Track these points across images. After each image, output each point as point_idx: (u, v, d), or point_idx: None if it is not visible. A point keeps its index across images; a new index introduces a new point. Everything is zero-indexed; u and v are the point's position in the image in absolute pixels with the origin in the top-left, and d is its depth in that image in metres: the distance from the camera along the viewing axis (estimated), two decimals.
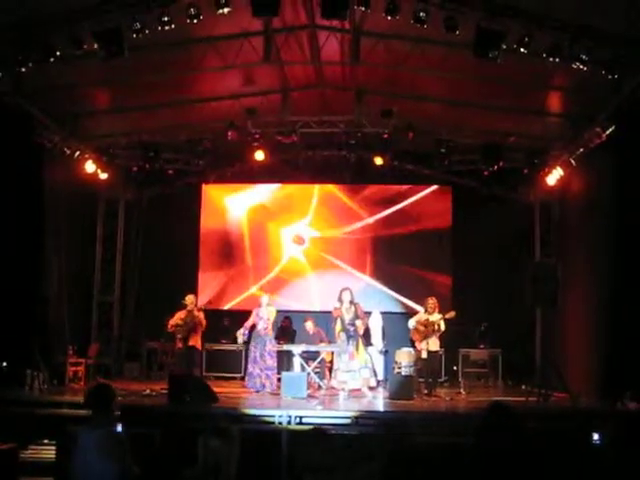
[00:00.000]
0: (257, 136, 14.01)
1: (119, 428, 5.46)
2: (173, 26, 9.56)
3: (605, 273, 11.60)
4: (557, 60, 9.63)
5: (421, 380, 12.76)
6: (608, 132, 11.39)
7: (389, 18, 9.55)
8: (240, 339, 13.02)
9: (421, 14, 9.39)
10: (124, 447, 5.07)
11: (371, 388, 12.64)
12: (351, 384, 12.11)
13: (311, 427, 7.05)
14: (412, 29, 10.05)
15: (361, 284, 15.65)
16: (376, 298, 15.79)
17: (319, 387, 12.72)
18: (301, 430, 8.92)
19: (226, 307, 16.18)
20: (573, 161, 13.11)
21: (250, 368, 12.83)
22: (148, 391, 12.05)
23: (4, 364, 11.79)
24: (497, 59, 9.56)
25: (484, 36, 9.40)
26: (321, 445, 4.93)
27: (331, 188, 16.59)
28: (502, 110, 13.04)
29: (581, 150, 12.63)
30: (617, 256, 11.19)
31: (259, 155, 14.63)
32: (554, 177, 13.90)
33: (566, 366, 12.38)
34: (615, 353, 10.87)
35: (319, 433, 5.19)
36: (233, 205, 16.71)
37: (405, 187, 16.45)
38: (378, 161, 14.64)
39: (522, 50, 9.55)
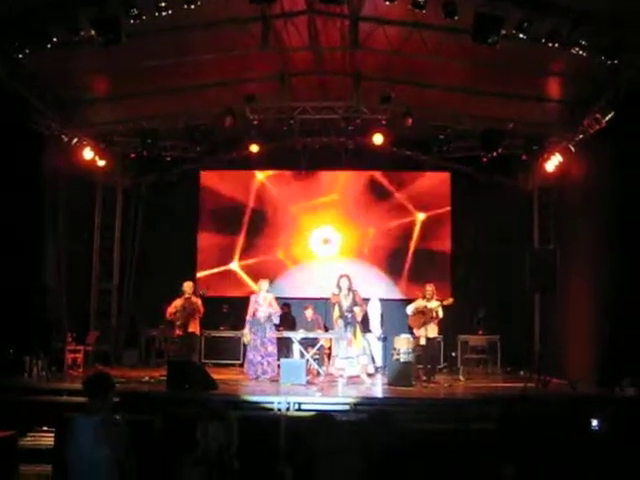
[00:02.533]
0: (255, 122, 13.98)
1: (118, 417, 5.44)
2: (170, 12, 9.52)
3: (604, 260, 11.59)
4: (556, 45, 9.59)
5: (420, 367, 12.77)
6: (607, 118, 11.34)
7: (387, 3, 9.51)
8: (247, 338, 13.01)
9: None
10: (123, 434, 5.06)
11: (370, 375, 12.68)
12: (349, 371, 12.13)
13: (315, 413, 7.04)
14: (411, 14, 10.01)
15: (360, 271, 15.61)
16: (374, 285, 15.81)
17: (318, 374, 12.75)
18: (305, 416, 8.93)
19: (225, 294, 16.14)
20: (572, 147, 13.06)
21: (250, 355, 12.83)
22: (147, 378, 12.08)
23: (10, 351, 11.83)
24: (496, 45, 9.52)
25: (483, 21, 9.35)
26: (326, 431, 4.94)
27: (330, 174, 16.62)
28: (501, 96, 12.99)
29: (580, 136, 12.58)
30: (616, 243, 11.19)
31: (254, 147, 14.77)
32: (553, 163, 13.86)
33: (565, 352, 12.41)
34: (614, 339, 10.88)
35: (325, 419, 5.20)
36: (232, 192, 16.68)
37: (403, 174, 16.44)
38: (378, 140, 14.30)
39: (521, 36, 9.51)
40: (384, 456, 4.84)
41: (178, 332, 12.88)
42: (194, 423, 5.14)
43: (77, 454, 4.98)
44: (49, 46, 9.76)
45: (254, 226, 16.53)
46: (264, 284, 13.13)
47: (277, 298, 13.45)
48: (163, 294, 13.46)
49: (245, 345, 13.37)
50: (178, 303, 12.80)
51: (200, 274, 16.20)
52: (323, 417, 5.27)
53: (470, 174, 15.54)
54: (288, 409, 9.43)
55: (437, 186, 16.37)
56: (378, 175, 16.51)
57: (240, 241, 16.53)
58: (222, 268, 16.47)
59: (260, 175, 16.67)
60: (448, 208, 16.20)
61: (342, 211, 16.48)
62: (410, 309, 12.80)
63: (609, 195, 11.52)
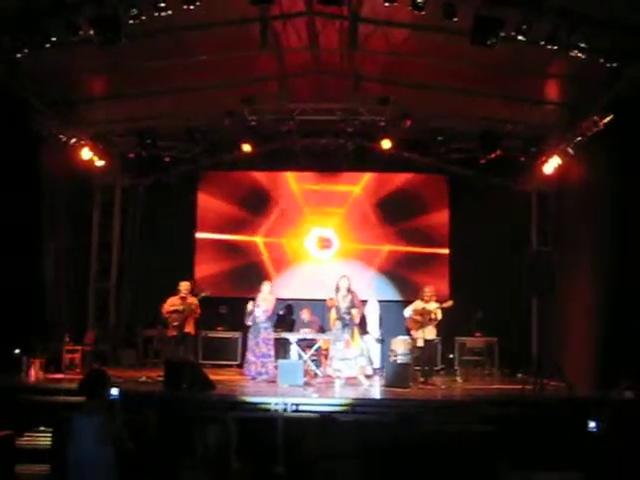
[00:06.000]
0: (253, 123, 13.96)
1: (114, 392, 5.40)
2: (170, 12, 9.51)
3: (603, 262, 11.59)
4: (555, 48, 9.59)
5: (417, 368, 12.75)
6: (606, 121, 11.34)
7: (387, 4, 9.50)
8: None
9: (419, 1, 9.31)
10: (118, 425, 5.04)
11: (367, 376, 12.67)
12: (346, 372, 12.13)
13: (319, 415, 7.03)
14: (410, 16, 10.01)
15: (358, 272, 15.59)
16: (373, 286, 15.82)
17: (315, 375, 12.74)
18: (309, 418, 8.91)
19: (225, 295, 16.09)
20: (571, 150, 13.04)
21: (247, 356, 12.88)
22: (144, 378, 12.07)
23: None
24: (495, 47, 9.52)
25: (482, 24, 9.34)
26: (330, 432, 4.94)
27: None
28: (499, 98, 12.99)
29: (579, 139, 12.56)
30: (615, 245, 11.19)
31: (246, 147, 14.83)
32: (551, 166, 13.84)
33: (563, 354, 12.41)
34: (612, 342, 10.89)
35: (329, 420, 5.20)
36: (230, 193, 16.66)
37: (402, 175, 16.43)
38: (386, 145, 14.30)
39: (520, 38, 9.50)
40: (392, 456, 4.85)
41: (172, 332, 12.86)
42: (191, 424, 5.13)
43: (76, 454, 4.98)
44: (48, 45, 9.73)
45: (252, 226, 16.51)
46: (266, 286, 13.14)
47: (278, 299, 13.49)
48: (161, 294, 13.43)
49: (243, 343, 13.42)
50: (175, 302, 12.80)
51: (198, 275, 16.15)
52: (327, 419, 5.27)
53: (468, 176, 15.52)
54: (285, 410, 9.43)
55: (435, 188, 16.35)
56: (377, 177, 16.50)
57: (239, 241, 16.49)
58: (220, 268, 16.44)
59: (259, 176, 16.62)
60: (446, 210, 16.19)
61: (340, 213, 16.46)
62: (408, 311, 12.81)
63: (608, 198, 11.52)
